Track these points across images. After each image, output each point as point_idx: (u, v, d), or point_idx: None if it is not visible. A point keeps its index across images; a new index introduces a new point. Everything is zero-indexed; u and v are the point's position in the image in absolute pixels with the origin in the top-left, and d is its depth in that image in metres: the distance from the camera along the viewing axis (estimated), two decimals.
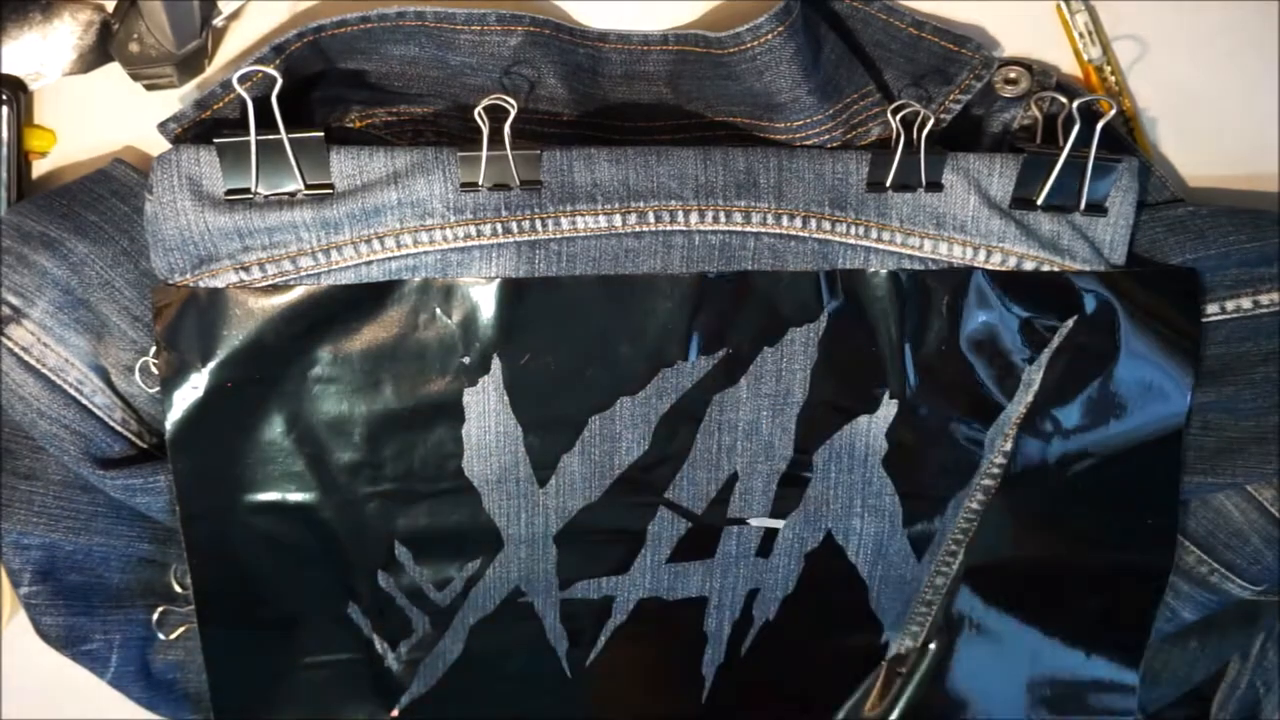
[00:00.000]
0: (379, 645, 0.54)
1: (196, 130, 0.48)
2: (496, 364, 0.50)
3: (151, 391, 0.50)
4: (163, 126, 0.47)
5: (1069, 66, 0.53)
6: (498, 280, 0.49)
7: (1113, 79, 0.52)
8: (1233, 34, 0.52)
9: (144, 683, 0.55)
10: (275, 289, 0.48)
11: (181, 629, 0.55)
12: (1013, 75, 0.51)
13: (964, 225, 0.51)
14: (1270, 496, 0.54)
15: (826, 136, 0.51)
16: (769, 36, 0.46)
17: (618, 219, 0.49)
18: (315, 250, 0.48)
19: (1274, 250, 0.51)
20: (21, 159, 0.50)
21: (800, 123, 0.50)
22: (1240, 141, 0.54)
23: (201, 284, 0.48)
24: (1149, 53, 0.53)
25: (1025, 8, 0.52)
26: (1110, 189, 0.51)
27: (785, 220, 0.50)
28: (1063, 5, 0.52)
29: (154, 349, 0.49)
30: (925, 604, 0.57)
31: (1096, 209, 0.51)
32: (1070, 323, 0.52)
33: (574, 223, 0.49)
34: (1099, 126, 0.49)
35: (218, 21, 0.49)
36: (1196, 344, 0.52)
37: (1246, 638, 0.60)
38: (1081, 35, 0.52)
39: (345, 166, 0.47)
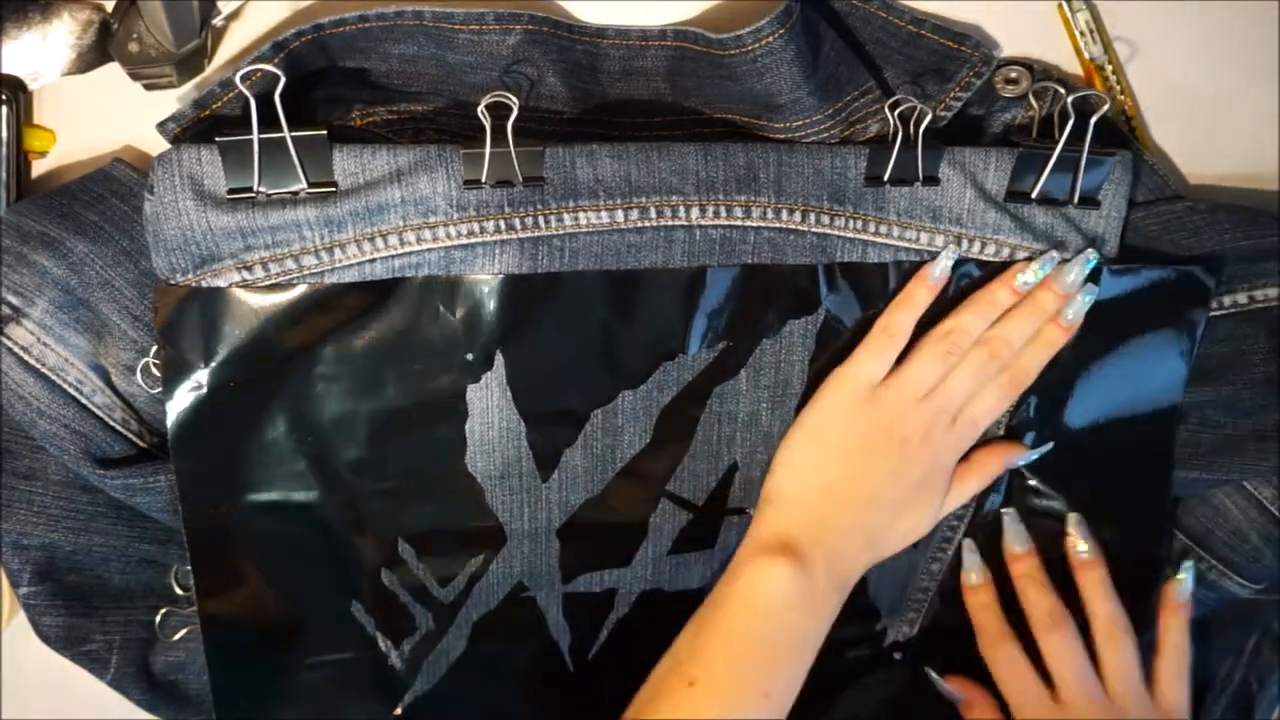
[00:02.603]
0: (382, 643, 0.54)
1: (195, 130, 0.47)
2: (499, 360, 0.50)
3: (153, 392, 0.49)
4: (162, 126, 0.47)
5: (1070, 65, 0.53)
6: (501, 277, 0.49)
7: (1114, 77, 0.53)
8: (1233, 34, 0.53)
9: (144, 684, 0.55)
10: (278, 288, 0.48)
11: (183, 631, 0.54)
12: (1013, 75, 0.51)
13: (960, 218, 0.51)
14: (1269, 495, 0.54)
15: (826, 135, 0.51)
16: (770, 39, 0.46)
17: (620, 214, 0.49)
18: (318, 249, 0.48)
19: (1272, 246, 0.51)
20: (21, 159, 0.50)
21: (800, 122, 0.50)
22: (1240, 141, 0.55)
23: (203, 283, 0.47)
24: (1150, 51, 0.53)
25: (1026, 6, 0.52)
26: (1103, 182, 0.51)
27: (785, 214, 0.50)
28: (1064, 4, 0.52)
29: (155, 349, 0.48)
30: (921, 590, 0.58)
31: (1089, 202, 0.51)
32: None
33: (576, 219, 0.49)
34: (1092, 121, 0.49)
35: (217, 21, 0.48)
36: (1193, 338, 0.53)
37: (1241, 638, 0.60)
38: (1083, 34, 0.52)
39: (348, 165, 0.47)
